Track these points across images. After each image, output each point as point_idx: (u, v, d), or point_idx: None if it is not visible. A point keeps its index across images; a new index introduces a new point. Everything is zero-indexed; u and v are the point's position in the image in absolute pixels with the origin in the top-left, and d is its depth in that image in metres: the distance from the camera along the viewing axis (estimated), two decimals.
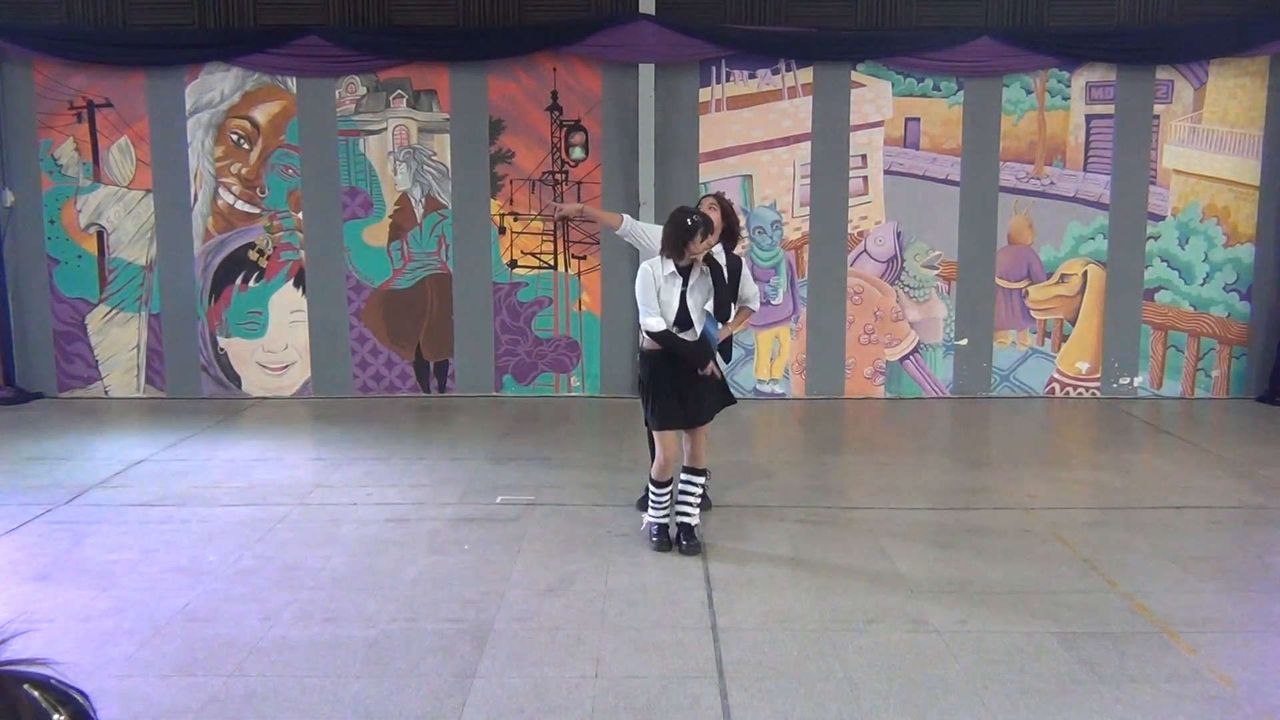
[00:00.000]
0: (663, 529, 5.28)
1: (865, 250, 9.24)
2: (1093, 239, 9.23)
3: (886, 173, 9.15)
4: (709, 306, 5.13)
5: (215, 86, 9.06)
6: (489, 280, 9.26)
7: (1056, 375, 9.38)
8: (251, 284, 9.28)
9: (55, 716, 0.90)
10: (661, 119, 8.96)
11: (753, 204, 9.17)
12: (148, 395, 9.36)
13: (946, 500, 6.18)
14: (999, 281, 9.29)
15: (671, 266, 5.06)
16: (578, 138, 9.11)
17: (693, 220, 4.98)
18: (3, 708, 0.85)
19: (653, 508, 5.32)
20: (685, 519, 5.25)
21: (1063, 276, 9.30)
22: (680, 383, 5.13)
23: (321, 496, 6.24)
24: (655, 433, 5.23)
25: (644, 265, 5.18)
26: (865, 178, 9.17)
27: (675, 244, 5.00)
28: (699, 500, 5.28)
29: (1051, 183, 9.17)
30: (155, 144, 9.10)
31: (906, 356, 9.35)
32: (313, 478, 6.73)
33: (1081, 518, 5.83)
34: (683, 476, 5.29)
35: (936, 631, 4.26)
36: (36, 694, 0.90)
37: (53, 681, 0.93)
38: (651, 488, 5.31)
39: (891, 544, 5.34)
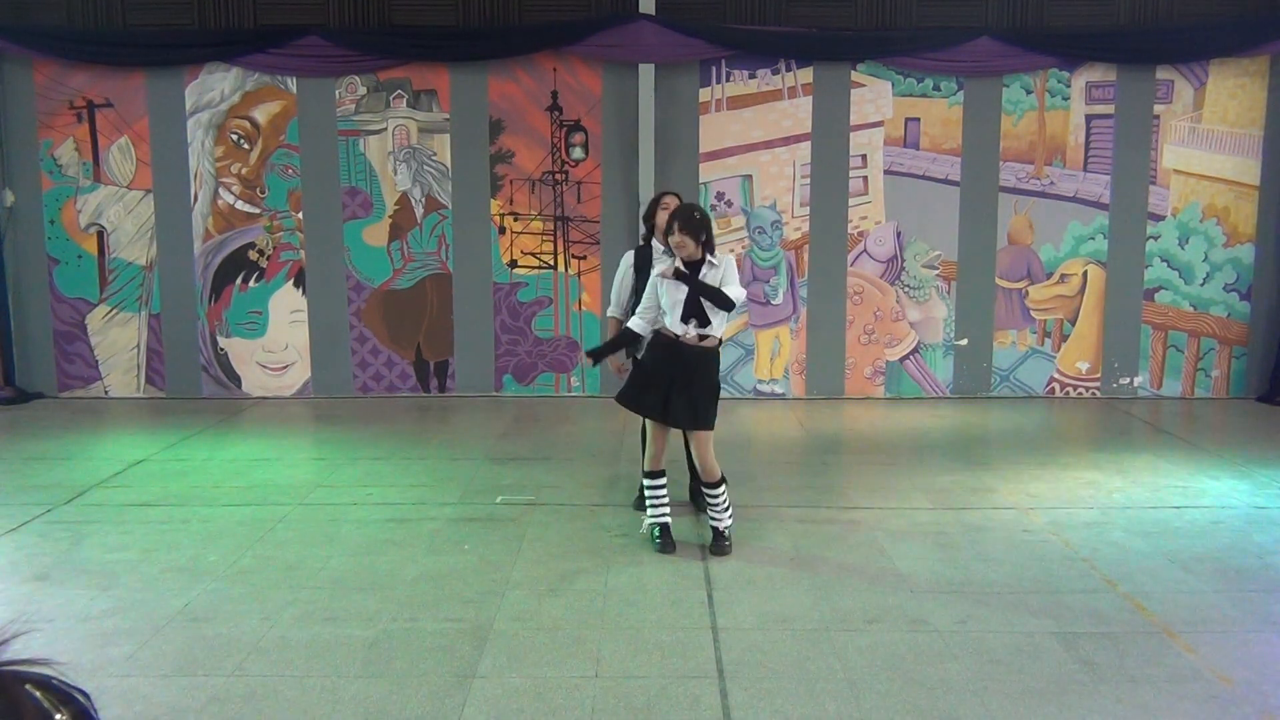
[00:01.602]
0: (665, 529, 5.26)
1: (865, 250, 9.24)
2: (1093, 239, 9.23)
3: (886, 173, 9.15)
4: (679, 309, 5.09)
5: (215, 86, 9.07)
6: (489, 280, 9.26)
7: (1056, 375, 9.38)
8: (251, 284, 9.28)
9: (57, 716, 0.90)
10: (661, 119, 8.96)
11: (753, 204, 9.17)
12: (148, 395, 9.36)
13: (946, 500, 6.17)
14: (999, 281, 9.29)
15: (679, 263, 5.05)
16: (578, 138, 9.11)
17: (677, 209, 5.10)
18: (4, 707, 0.85)
19: (650, 505, 5.30)
20: (713, 524, 5.27)
21: (1063, 276, 9.30)
22: (673, 377, 5.07)
23: (321, 496, 6.24)
24: (648, 423, 5.24)
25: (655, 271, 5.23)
26: (865, 178, 9.17)
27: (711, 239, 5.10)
28: (724, 507, 5.24)
29: (1051, 183, 9.17)
30: (155, 144, 9.10)
31: (906, 356, 9.36)
32: (313, 478, 6.73)
33: (1081, 518, 5.83)
34: (703, 489, 5.31)
35: (936, 631, 4.26)
36: (38, 694, 0.90)
37: (54, 682, 0.93)
38: (644, 481, 5.31)
39: (891, 544, 5.34)
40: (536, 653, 4.07)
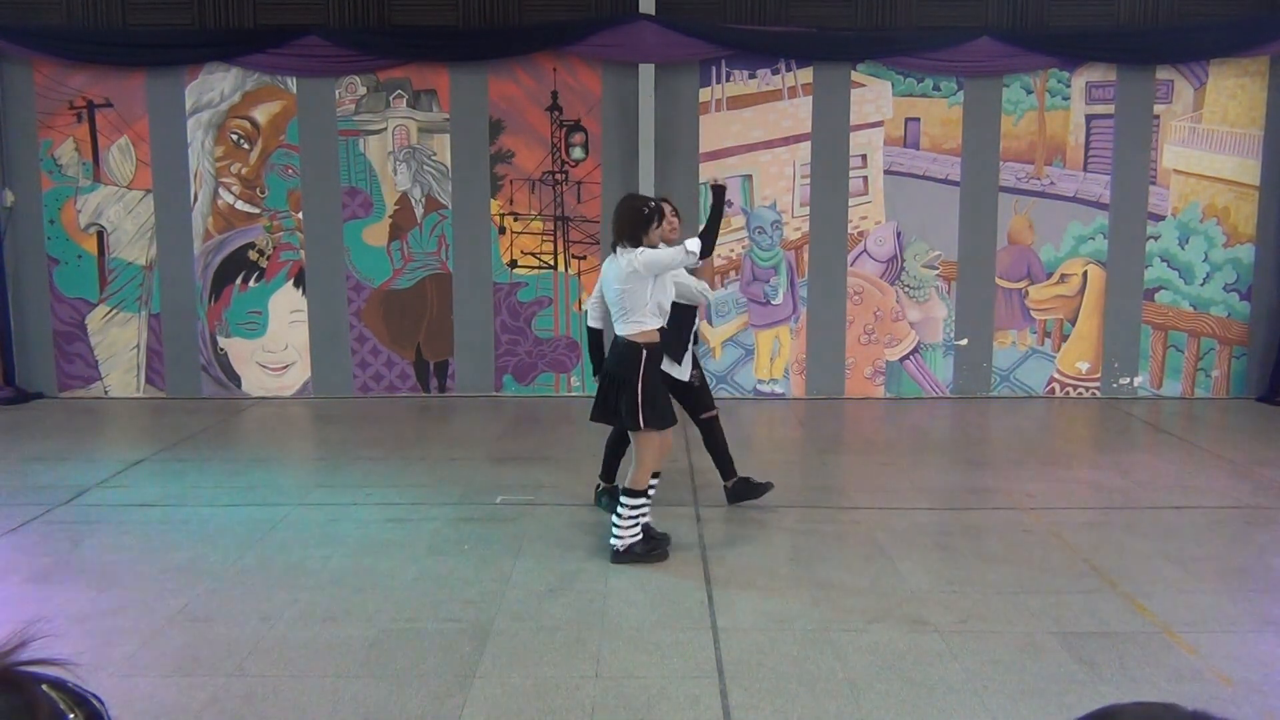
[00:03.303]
0: (647, 530, 5.17)
1: (865, 250, 9.24)
2: (1093, 239, 9.23)
3: (886, 173, 9.15)
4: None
5: (215, 86, 9.06)
6: (489, 280, 9.26)
7: (1056, 375, 9.38)
8: (251, 284, 9.28)
9: (70, 717, 0.91)
10: (661, 119, 8.96)
11: (753, 204, 9.17)
12: (148, 395, 9.36)
13: (946, 500, 6.18)
14: (999, 281, 9.29)
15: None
16: (578, 138, 9.11)
17: (649, 208, 5.01)
18: (20, 705, 0.86)
19: (631, 524, 5.06)
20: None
21: (1063, 276, 9.30)
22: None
23: (321, 496, 6.25)
24: (657, 434, 5.05)
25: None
26: (865, 178, 9.17)
27: (633, 234, 4.95)
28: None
29: (1051, 183, 9.17)
30: (155, 144, 9.10)
31: (906, 356, 9.35)
32: (313, 478, 6.73)
33: (1081, 518, 5.83)
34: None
35: (936, 631, 4.26)
36: (54, 695, 0.91)
37: (70, 684, 0.94)
38: (635, 500, 5.04)
39: (891, 544, 5.34)
40: (536, 653, 4.07)
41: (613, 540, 5.06)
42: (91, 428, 8.21)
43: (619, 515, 5.05)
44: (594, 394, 5.28)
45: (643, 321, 4.94)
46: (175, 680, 3.85)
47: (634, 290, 4.88)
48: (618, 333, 5.01)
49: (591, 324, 5.39)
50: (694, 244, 4.82)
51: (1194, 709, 0.89)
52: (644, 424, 4.93)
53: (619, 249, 4.96)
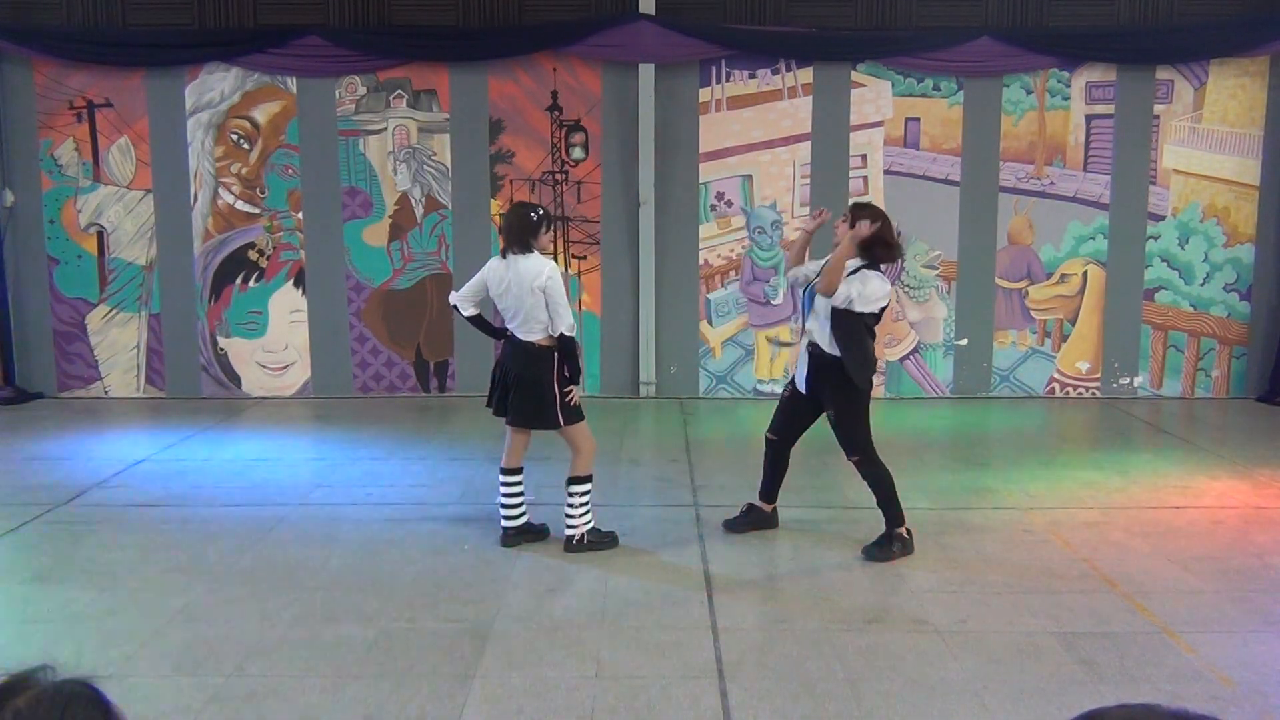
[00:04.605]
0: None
1: None
2: (1093, 239, 9.23)
3: (886, 173, 9.15)
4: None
5: (215, 86, 9.06)
6: None
7: (1056, 375, 9.38)
8: (251, 284, 9.28)
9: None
10: (661, 119, 8.96)
11: (753, 204, 9.17)
12: (148, 395, 9.36)
13: (946, 500, 6.18)
14: (999, 281, 9.29)
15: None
16: (578, 138, 9.10)
17: (537, 214, 5.14)
18: None
19: (583, 510, 5.26)
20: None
21: (1063, 276, 9.29)
22: None
23: (321, 496, 6.25)
24: (583, 422, 5.23)
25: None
26: (865, 178, 9.17)
27: (523, 239, 5.08)
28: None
29: (1051, 183, 9.17)
30: (155, 144, 9.10)
31: (906, 356, 9.35)
32: (313, 478, 6.73)
33: (1081, 518, 5.83)
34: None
35: (936, 631, 4.26)
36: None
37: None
38: (585, 487, 5.25)
39: None
40: (536, 653, 4.07)
41: (568, 530, 5.23)
42: (91, 428, 8.21)
43: (571, 505, 5.22)
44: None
45: (543, 330, 5.14)
46: (175, 680, 3.85)
47: (538, 304, 5.09)
48: (522, 337, 5.16)
49: (470, 312, 5.42)
50: (569, 330, 5.10)
51: (1174, 709, 0.89)
52: (564, 422, 5.14)
53: (510, 254, 5.10)
